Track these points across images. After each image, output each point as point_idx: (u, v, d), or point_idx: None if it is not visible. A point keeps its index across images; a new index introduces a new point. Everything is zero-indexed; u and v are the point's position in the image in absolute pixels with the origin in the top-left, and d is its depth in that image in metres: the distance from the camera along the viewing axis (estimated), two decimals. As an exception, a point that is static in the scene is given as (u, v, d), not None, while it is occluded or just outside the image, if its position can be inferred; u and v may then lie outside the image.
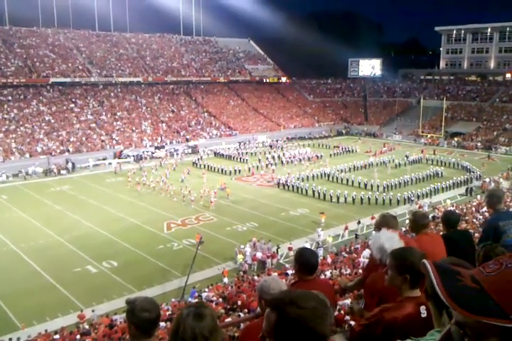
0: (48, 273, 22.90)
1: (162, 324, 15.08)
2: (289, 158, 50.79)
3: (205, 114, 67.79)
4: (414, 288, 2.57)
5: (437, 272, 1.27)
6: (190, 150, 55.32)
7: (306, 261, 3.58)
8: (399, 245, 3.25)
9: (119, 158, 49.96)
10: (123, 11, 75.46)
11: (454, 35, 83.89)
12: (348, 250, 25.32)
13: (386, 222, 4.04)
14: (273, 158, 50.10)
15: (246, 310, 15.82)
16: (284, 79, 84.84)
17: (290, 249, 25.16)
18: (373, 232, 3.88)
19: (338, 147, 57.05)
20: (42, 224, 30.20)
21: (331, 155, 52.93)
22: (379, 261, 3.44)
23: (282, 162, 49.31)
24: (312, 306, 1.54)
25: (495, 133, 61.14)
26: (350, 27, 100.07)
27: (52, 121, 54.73)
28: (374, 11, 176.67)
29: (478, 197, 34.15)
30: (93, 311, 18.92)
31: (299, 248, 4.11)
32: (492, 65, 79.93)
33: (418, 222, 4.65)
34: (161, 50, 77.79)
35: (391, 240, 3.32)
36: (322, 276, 18.90)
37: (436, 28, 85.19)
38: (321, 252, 25.10)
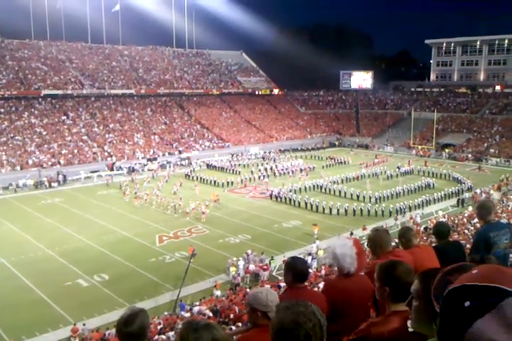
0: (38, 287, 22.60)
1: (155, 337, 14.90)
2: (282, 169, 50.88)
3: (198, 125, 67.90)
4: (400, 301, 2.56)
5: (441, 273, 1.48)
6: (183, 162, 55.29)
7: (297, 269, 3.59)
8: (350, 251, 3.29)
9: (111, 170, 49.81)
10: (116, 23, 75.90)
11: (444, 48, 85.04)
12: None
13: (379, 236, 4.04)
14: (265, 169, 50.14)
15: (239, 324, 15.67)
16: (276, 91, 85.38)
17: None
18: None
19: (333, 159, 57.29)
20: (32, 237, 29.90)
21: (323, 166, 53.08)
22: (330, 266, 3.51)
23: (275, 174, 49.37)
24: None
25: (485, 144, 61.69)
26: (342, 40, 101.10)
27: (44, 133, 54.53)
28: (365, 24, 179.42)
29: (470, 208, 34.30)
30: (84, 325, 18.67)
31: (289, 257, 4.12)
32: (482, 77, 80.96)
33: (404, 237, 4.68)
34: (153, 63, 78.09)
35: (343, 247, 3.37)
36: (315, 289, 18.81)
37: (427, 41, 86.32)
38: (314, 264, 25.03)
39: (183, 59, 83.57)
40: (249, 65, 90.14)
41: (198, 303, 20.08)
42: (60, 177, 45.87)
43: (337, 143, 72.87)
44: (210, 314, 17.88)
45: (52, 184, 44.70)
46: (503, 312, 1.05)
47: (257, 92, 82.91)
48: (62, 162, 49.82)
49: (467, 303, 1.12)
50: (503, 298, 1.09)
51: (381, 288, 2.57)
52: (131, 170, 50.38)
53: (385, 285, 2.54)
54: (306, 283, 3.70)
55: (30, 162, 48.42)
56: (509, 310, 1.05)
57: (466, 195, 39.58)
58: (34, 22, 69.34)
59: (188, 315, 18.57)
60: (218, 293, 21.66)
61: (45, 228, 31.89)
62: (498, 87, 77.02)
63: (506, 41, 76.92)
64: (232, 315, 17.08)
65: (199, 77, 79.61)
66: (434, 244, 5.65)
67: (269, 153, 61.83)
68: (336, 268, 3.57)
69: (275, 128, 73.48)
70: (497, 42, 78.26)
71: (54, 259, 26.32)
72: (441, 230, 5.20)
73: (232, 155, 59.29)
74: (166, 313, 19.70)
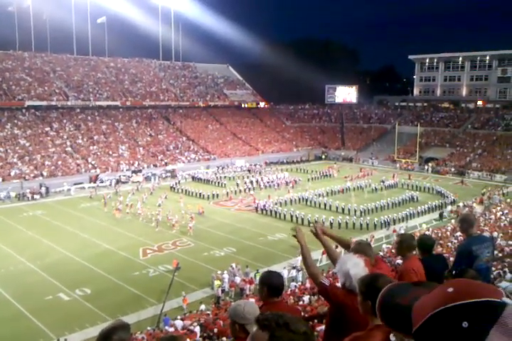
0: (18, 302, 22.12)
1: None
2: (267, 182, 50.90)
3: (184, 138, 67.82)
4: None
5: (383, 293, 1.43)
6: (168, 175, 55.01)
7: (273, 284, 3.56)
8: (363, 272, 3.28)
9: (94, 183, 49.36)
10: (101, 35, 75.93)
11: (427, 64, 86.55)
12: (326, 275, 25.20)
13: (362, 250, 4.06)
14: (251, 182, 50.11)
15: (224, 338, 15.49)
16: (262, 104, 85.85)
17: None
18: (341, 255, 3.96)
19: (330, 169, 58.49)
20: (13, 250, 29.34)
21: (309, 179, 53.24)
22: (342, 285, 3.48)
23: (260, 186, 49.35)
24: (304, 331, 1.53)
25: (467, 158, 62.57)
26: (328, 55, 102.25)
27: (27, 144, 53.93)
28: (351, 40, 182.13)
29: (453, 221, 34.60)
30: (65, 340, 18.28)
31: (264, 271, 4.10)
32: (464, 92, 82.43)
33: (405, 244, 4.74)
34: (139, 75, 78.08)
35: (357, 267, 3.37)
36: (300, 302, 18.74)
37: (410, 57, 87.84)
38: (299, 277, 24.95)
39: (169, 71, 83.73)
40: (235, 78, 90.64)
41: (180, 317, 19.79)
42: (43, 189, 45.27)
43: (323, 156, 73.25)
44: (196, 329, 17.63)
45: (35, 196, 44.06)
46: (505, 325, 1.03)
47: (243, 105, 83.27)
48: (45, 174, 49.21)
49: (465, 324, 1.07)
50: (499, 311, 1.06)
51: (363, 302, 2.55)
52: (116, 182, 49.93)
53: (367, 299, 2.52)
54: (290, 297, 3.68)
55: (12, 174, 47.74)
56: (510, 320, 1.03)
57: (449, 208, 39.97)
58: (19, 33, 69.11)
59: (172, 329, 18.32)
60: (203, 307, 21.41)
61: (27, 241, 31.33)
62: (480, 103, 78.48)
63: (488, 57, 78.66)
64: (216, 330, 16.87)
65: (185, 90, 79.75)
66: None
67: (255, 165, 61.89)
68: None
69: (261, 141, 73.70)
70: (479, 58, 79.94)
71: (35, 273, 25.83)
72: (426, 243, 5.21)
73: (218, 167, 59.21)
74: (149, 328, 19.39)
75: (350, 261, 3.47)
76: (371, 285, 2.48)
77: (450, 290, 1.16)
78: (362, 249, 4.07)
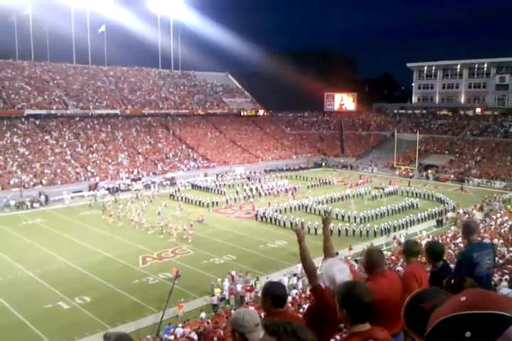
0: (17, 310, 22.00)
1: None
2: (267, 189, 50.87)
3: (183, 146, 67.88)
4: (360, 322, 2.53)
5: (413, 295, 1.54)
6: (168, 182, 55.00)
7: (276, 294, 3.54)
8: (348, 279, 3.29)
9: (93, 191, 49.29)
10: (101, 43, 76.29)
11: (425, 71, 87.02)
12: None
13: (372, 257, 4.06)
14: (251, 190, 50.08)
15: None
16: (261, 112, 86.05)
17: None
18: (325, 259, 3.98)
19: (345, 180, 57.83)
20: (12, 258, 29.24)
21: (308, 186, 53.23)
22: (325, 287, 3.50)
23: (260, 194, 49.31)
24: (311, 339, 1.56)
25: (466, 165, 62.63)
26: (326, 63, 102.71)
27: (26, 153, 53.95)
28: (349, 48, 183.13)
29: (453, 228, 34.55)
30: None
31: (266, 282, 4.08)
32: (462, 99, 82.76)
33: (406, 250, 4.81)
34: (139, 83, 78.34)
35: (342, 272, 3.37)
36: (301, 310, 18.63)
37: (408, 65, 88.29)
38: (300, 284, 24.86)
39: (168, 80, 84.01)
40: (234, 86, 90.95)
41: (180, 325, 19.70)
42: (42, 197, 45.22)
43: (323, 163, 73.27)
44: (195, 337, 17.54)
45: (34, 204, 44.00)
46: (508, 339, 1.03)
47: (242, 113, 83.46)
48: (44, 182, 49.16)
49: (468, 334, 1.07)
50: (505, 325, 1.05)
51: (340, 310, 2.54)
52: (115, 190, 49.92)
53: (343, 307, 2.51)
54: (289, 305, 3.68)
55: (11, 182, 47.69)
56: None
57: (450, 214, 39.93)
58: (19, 42, 69.49)
59: (172, 338, 18.21)
60: (203, 314, 21.30)
61: (26, 249, 31.24)
62: (478, 110, 78.73)
63: (485, 65, 79.11)
64: (215, 338, 16.78)
65: (184, 98, 79.97)
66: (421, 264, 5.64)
67: (255, 173, 61.88)
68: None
69: (260, 148, 73.78)
70: (476, 65, 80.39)
71: (34, 281, 25.72)
72: (437, 250, 5.15)
73: (217, 175, 59.20)
74: (149, 336, 19.28)
75: (336, 266, 3.48)
76: (347, 294, 2.49)
77: (463, 299, 1.17)
78: (372, 255, 4.05)
